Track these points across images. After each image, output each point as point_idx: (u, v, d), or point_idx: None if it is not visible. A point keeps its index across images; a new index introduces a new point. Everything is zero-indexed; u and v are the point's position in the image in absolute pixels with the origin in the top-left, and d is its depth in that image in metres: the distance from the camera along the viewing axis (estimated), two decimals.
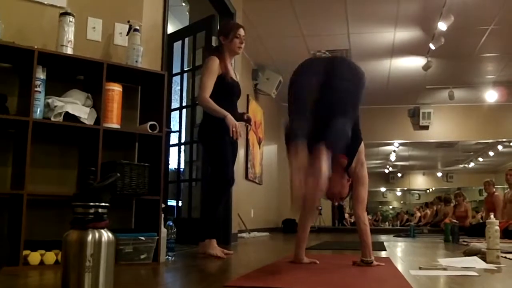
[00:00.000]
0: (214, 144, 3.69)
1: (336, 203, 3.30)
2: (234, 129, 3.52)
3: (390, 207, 26.49)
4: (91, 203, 1.50)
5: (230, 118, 3.54)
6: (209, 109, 3.61)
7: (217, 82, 3.65)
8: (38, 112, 2.83)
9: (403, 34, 7.76)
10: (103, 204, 1.52)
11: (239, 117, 3.82)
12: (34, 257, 2.73)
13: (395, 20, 7.21)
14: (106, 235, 1.52)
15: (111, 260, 1.55)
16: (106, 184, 1.53)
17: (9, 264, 2.42)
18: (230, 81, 3.73)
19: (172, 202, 5.71)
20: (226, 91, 3.71)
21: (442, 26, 6.83)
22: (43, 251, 2.79)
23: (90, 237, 1.49)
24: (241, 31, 3.80)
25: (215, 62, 3.66)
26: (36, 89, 2.81)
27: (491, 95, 10.72)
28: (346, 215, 15.11)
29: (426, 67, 8.45)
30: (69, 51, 3.00)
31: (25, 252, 2.69)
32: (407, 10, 6.87)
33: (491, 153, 16.45)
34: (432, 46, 7.59)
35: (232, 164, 3.78)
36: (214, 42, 5.29)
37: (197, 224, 5.02)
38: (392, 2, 6.62)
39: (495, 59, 8.99)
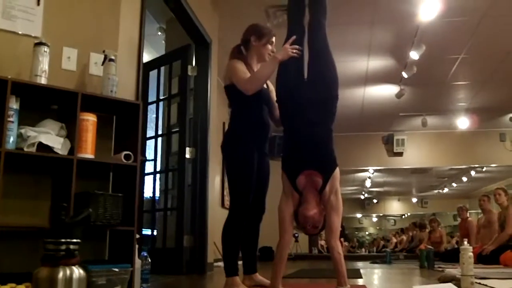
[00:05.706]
0: (235, 159, 3.26)
1: (308, 233, 3.22)
2: (290, 49, 3.08)
3: (366, 233, 26.56)
4: (63, 240, 1.48)
5: (281, 53, 3.10)
6: (259, 78, 3.18)
7: None
8: (10, 142, 2.78)
9: (376, 63, 7.92)
10: (75, 240, 1.51)
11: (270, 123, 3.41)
12: None
13: (368, 49, 7.36)
14: (77, 271, 1.50)
15: None
16: (78, 220, 1.52)
17: None
18: None
19: (147, 231, 5.65)
20: (251, 96, 3.19)
21: (414, 55, 7.00)
22: (13, 285, 2.72)
23: (61, 275, 1.47)
24: (274, 40, 3.41)
25: (240, 62, 3.30)
26: (9, 119, 2.77)
27: (463, 122, 10.95)
28: (322, 242, 15.08)
29: (399, 95, 8.61)
30: (43, 81, 2.97)
31: None
32: (380, 40, 7.03)
33: (464, 179, 16.68)
34: (404, 75, 7.75)
35: (261, 190, 3.38)
36: (190, 71, 5.33)
37: (172, 254, 5.01)
38: (365, 31, 6.77)
39: (466, 87, 9.21)
